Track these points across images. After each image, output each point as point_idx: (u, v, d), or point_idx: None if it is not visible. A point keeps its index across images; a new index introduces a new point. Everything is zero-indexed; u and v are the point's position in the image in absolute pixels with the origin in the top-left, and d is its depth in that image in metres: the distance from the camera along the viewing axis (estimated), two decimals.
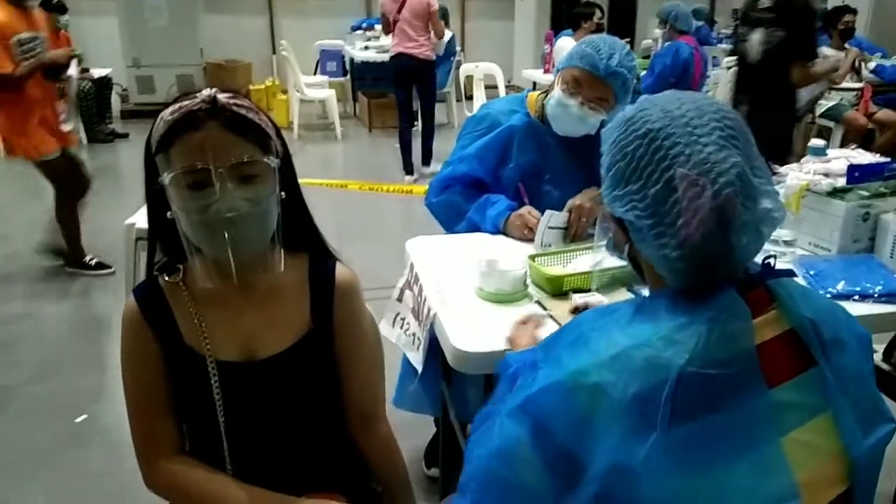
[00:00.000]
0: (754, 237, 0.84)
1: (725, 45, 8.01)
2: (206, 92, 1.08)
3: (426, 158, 5.78)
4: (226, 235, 1.07)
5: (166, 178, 1.06)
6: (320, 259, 1.27)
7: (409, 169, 5.64)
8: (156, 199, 1.13)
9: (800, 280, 1.61)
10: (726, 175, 0.81)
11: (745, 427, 0.80)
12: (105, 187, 5.68)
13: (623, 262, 1.02)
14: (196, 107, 1.06)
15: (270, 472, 1.20)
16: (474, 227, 2.01)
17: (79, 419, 2.55)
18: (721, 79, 5.45)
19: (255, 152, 1.09)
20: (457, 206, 2.05)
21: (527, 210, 1.92)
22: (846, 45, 5.34)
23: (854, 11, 5.23)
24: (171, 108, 1.08)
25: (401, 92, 5.66)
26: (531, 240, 1.88)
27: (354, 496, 1.23)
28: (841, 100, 5.26)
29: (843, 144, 4.79)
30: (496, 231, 1.96)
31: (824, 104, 5.24)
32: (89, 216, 4.50)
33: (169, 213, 1.09)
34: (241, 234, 1.08)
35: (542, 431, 0.83)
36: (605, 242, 1.02)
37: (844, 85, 5.23)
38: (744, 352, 0.81)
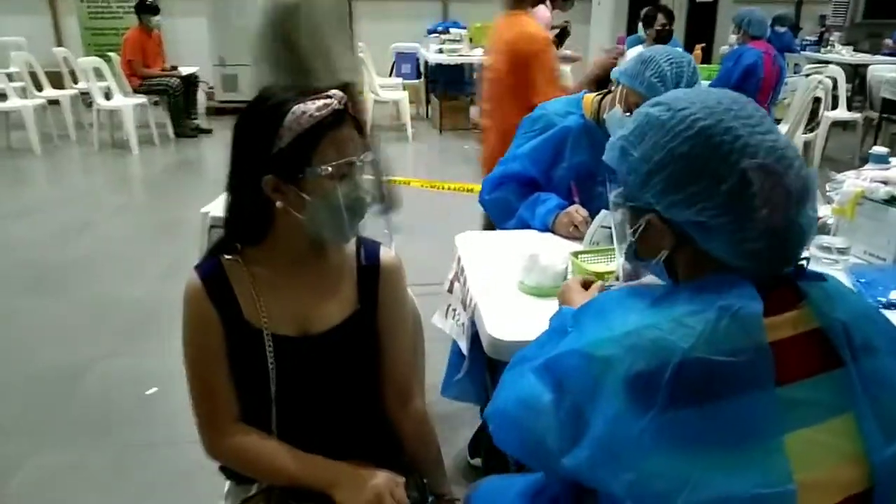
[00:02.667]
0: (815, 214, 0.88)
1: (809, 52, 7.76)
2: (336, 92, 1.20)
3: None
4: (354, 219, 1.23)
5: (321, 169, 1.16)
6: (366, 243, 1.36)
7: None
8: (244, 190, 1.21)
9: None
10: (797, 158, 0.84)
11: (745, 419, 0.81)
12: (188, 179, 6.01)
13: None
14: (339, 106, 1.18)
15: (311, 438, 1.29)
16: (524, 225, 2.05)
17: (149, 392, 2.73)
18: (799, 86, 5.29)
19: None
20: (508, 204, 2.10)
21: (574, 208, 1.95)
22: None
23: None
24: (314, 105, 1.15)
25: None
26: (578, 238, 1.91)
27: (385, 468, 1.29)
28: None
29: None
30: (545, 228, 2.00)
31: None
32: (172, 206, 4.76)
33: (279, 203, 1.18)
34: (361, 218, 1.25)
35: (560, 389, 0.89)
36: (624, 251, 1.02)
37: None
38: (754, 344, 0.82)
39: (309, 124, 1.14)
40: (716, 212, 0.84)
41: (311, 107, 1.15)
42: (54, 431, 2.50)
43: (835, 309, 0.88)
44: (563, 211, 1.97)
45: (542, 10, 5.77)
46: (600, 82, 2.86)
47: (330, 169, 1.16)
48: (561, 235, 1.96)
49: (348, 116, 1.19)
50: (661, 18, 5.11)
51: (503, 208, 2.11)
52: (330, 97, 1.18)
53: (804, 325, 0.86)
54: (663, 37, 5.11)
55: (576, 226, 1.92)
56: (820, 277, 0.91)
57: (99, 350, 3.04)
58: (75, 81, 7.25)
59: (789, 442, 0.81)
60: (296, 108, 1.15)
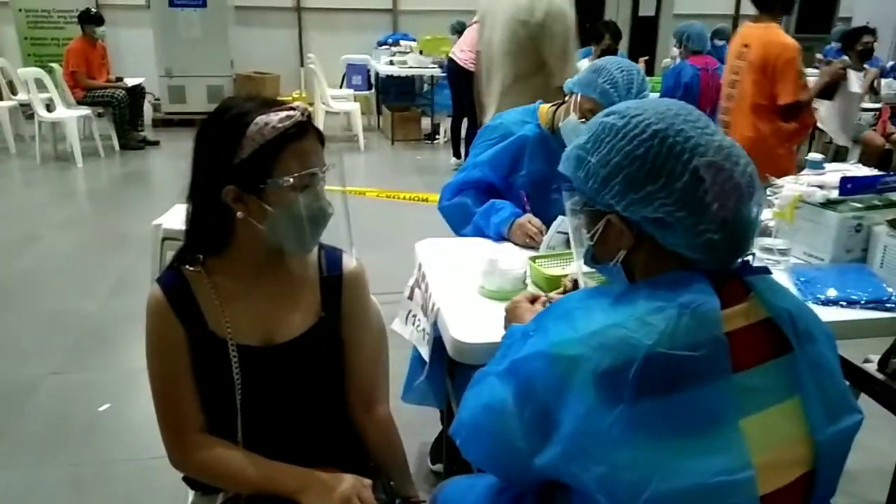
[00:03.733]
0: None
1: None
2: (299, 104, 1.21)
3: (454, 151, 6.53)
4: (315, 230, 1.24)
5: (283, 180, 1.16)
6: (329, 251, 1.38)
7: (455, 153, 6.57)
8: (205, 200, 1.22)
9: (790, 287, 1.67)
10: (743, 156, 0.91)
11: (706, 407, 0.86)
12: (135, 192, 5.89)
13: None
14: (302, 118, 1.18)
15: (278, 446, 1.30)
16: (479, 232, 2.09)
17: (102, 408, 2.67)
18: None
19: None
20: (466, 210, 2.13)
21: (527, 219, 2.00)
22: (865, 66, 5.36)
23: (873, 32, 5.26)
24: (277, 117, 1.16)
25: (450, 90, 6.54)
26: (533, 247, 1.96)
27: (352, 472, 1.31)
28: (859, 120, 5.28)
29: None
30: (499, 237, 2.04)
31: None
32: (119, 219, 4.65)
33: (240, 214, 1.18)
34: (323, 229, 1.26)
35: (524, 392, 0.93)
36: (583, 255, 1.07)
37: (863, 105, 5.25)
38: (712, 337, 0.87)
39: (272, 136, 1.15)
40: (673, 207, 0.90)
41: (274, 118, 1.16)
42: (5, 450, 2.43)
43: (780, 299, 0.94)
44: (517, 221, 2.01)
45: None
46: (828, 90, 3.12)
47: (292, 180, 1.17)
48: (516, 244, 2.01)
49: (311, 128, 1.20)
50: (607, 39, 5.25)
51: (462, 213, 2.14)
52: (293, 108, 1.19)
53: (755, 316, 0.92)
54: (608, 55, 5.27)
55: (531, 236, 1.97)
56: (763, 271, 0.97)
57: (49, 366, 2.96)
58: (14, 93, 7.05)
59: (745, 426, 0.87)
60: (258, 119, 1.15)
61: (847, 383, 1.05)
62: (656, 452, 0.84)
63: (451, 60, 6.25)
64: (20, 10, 7.98)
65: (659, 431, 0.85)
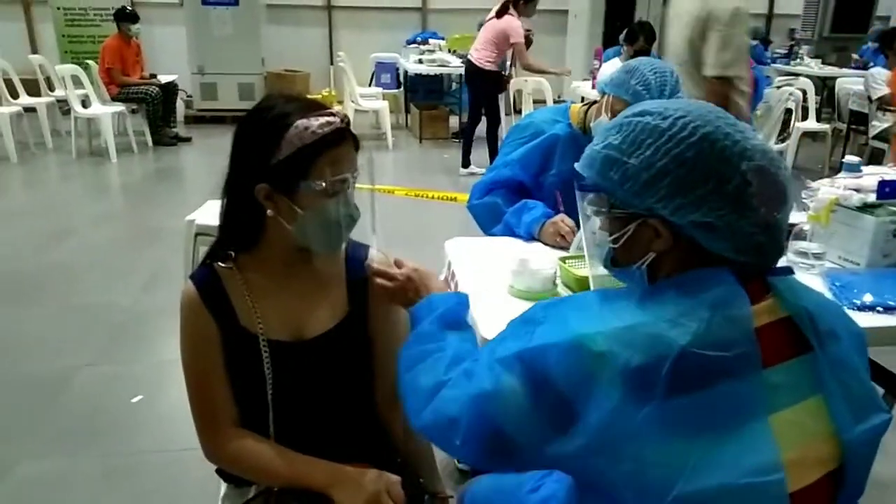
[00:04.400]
0: None
1: (779, 65, 7.95)
2: (339, 110, 1.23)
3: (464, 160, 6.22)
4: (342, 233, 1.26)
5: (316, 184, 1.18)
6: (356, 248, 1.39)
7: (464, 163, 6.21)
8: (239, 196, 1.24)
9: (825, 292, 1.65)
10: (782, 159, 0.92)
11: (737, 402, 0.86)
12: (168, 187, 5.99)
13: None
14: (341, 124, 1.20)
15: (308, 441, 1.31)
16: (510, 231, 2.09)
17: (135, 399, 2.72)
18: (771, 98, 5.42)
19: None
20: (497, 209, 2.13)
21: (560, 218, 1.99)
22: None
23: None
24: (317, 122, 1.17)
25: (468, 91, 6.33)
26: (563, 247, 1.95)
27: (381, 468, 1.32)
28: None
29: None
30: (529, 237, 2.03)
31: (877, 126, 5.16)
32: (152, 214, 4.72)
33: (270, 212, 1.20)
34: (349, 232, 1.28)
35: (539, 382, 0.91)
36: (601, 258, 1.05)
37: None
38: (743, 334, 0.87)
39: (310, 140, 1.16)
40: (723, 211, 0.89)
41: (314, 123, 1.17)
42: (39, 440, 2.48)
43: (800, 298, 0.93)
44: (550, 220, 2.01)
45: (513, 20, 5.87)
46: None
47: (324, 185, 1.18)
48: (547, 244, 2.00)
49: (349, 135, 1.22)
50: (641, 41, 5.21)
51: (492, 212, 2.14)
52: (333, 114, 1.20)
53: (776, 314, 0.91)
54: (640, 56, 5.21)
55: (562, 235, 1.96)
56: (786, 271, 0.96)
57: (83, 358, 3.02)
58: (51, 89, 7.20)
59: (774, 421, 0.86)
60: (299, 122, 1.17)
61: (874, 385, 1.03)
62: (687, 449, 0.84)
63: (468, 61, 6.11)
64: (58, 8, 8.13)
65: (690, 427, 0.84)
